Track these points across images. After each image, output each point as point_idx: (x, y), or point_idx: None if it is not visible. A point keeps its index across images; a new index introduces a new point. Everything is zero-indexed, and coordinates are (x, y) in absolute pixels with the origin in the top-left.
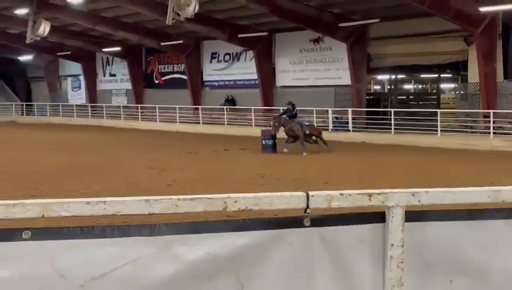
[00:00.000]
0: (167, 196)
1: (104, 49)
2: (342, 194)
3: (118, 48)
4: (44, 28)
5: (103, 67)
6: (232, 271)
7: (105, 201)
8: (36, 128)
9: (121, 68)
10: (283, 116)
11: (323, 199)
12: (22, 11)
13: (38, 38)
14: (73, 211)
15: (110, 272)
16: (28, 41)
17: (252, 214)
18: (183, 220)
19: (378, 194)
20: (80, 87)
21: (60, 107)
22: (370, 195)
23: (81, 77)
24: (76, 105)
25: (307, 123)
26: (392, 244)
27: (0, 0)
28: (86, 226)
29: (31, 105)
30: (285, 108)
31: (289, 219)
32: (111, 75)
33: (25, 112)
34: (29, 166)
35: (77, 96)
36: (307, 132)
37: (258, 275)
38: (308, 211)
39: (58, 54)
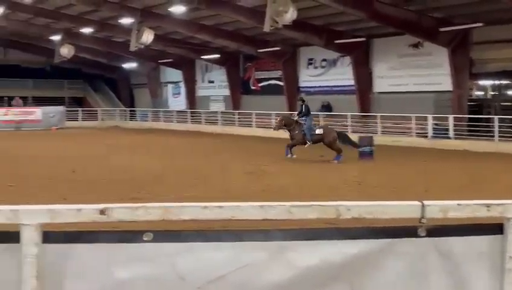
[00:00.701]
0: (280, 202)
1: (203, 56)
2: (459, 204)
3: (216, 55)
4: (147, 37)
5: (202, 74)
6: (345, 279)
7: (221, 206)
8: (138, 133)
9: (219, 75)
10: (294, 118)
11: (439, 209)
12: (126, 21)
13: (142, 46)
14: (192, 214)
15: (225, 276)
16: (132, 49)
17: (361, 223)
18: (292, 226)
19: (497, 205)
20: (179, 94)
21: (161, 113)
22: (488, 206)
23: (181, 84)
24: (176, 111)
25: (317, 130)
26: (511, 257)
27: (107, 10)
28: (203, 229)
29: (133, 110)
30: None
31: (402, 229)
32: (209, 81)
33: (128, 117)
34: (133, 170)
35: (177, 102)
36: (309, 143)
37: (371, 284)
38: (423, 221)
39: (159, 61)
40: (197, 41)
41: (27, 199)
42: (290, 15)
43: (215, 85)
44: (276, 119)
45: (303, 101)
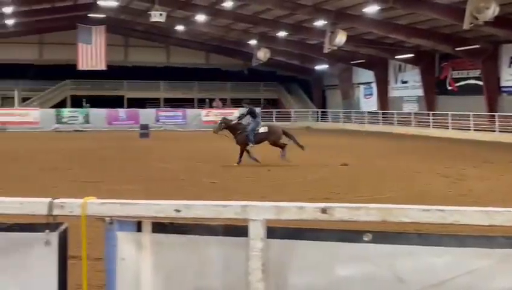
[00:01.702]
0: (507, 208)
1: (397, 56)
2: None
3: (410, 55)
4: (341, 38)
5: (395, 75)
6: None
7: (443, 210)
8: (330, 134)
9: (413, 75)
10: (236, 120)
11: None
12: (320, 23)
13: (335, 47)
14: (413, 217)
15: (447, 281)
16: (325, 51)
17: None
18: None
19: None
20: (371, 95)
21: (352, 114)
22: None
23: (373, 84)
24: (367, 112)
25: (261, 129)
26: None
27: (302, 13)
28: (425, 233)
29: (325, 112)
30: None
31: None
32: (403, 82)
33: (320, 118)
34: (325, 169)
35: (369, 103)
36: (251, 145)
37: None
38: None
39: (351, 62)
40: (390, 41)
41: (230, 195)
42: (492, 11)
43: (408, 85)
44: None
45: (248, 104)
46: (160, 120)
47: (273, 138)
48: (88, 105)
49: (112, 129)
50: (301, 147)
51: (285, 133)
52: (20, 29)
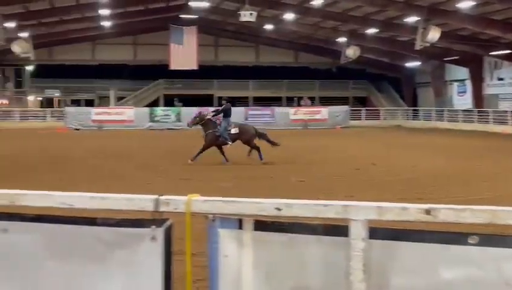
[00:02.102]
0: None
1: (492, 53)
2: None
3: (506, 51)
4: (433, 35)
5: (490, 72)
6: None
7: None
8: (421, 133)
9: (509, 72)
10: (209, 116)
11: None
12: (412, 19)
13: (428, 44)
14: None
15: None
16: (417, 48)
17: None
18: None
19: None
20: (465, 92)
21: (445, 112)
22: None
23: (467, 82)
24: (461, 110)
25: (232, 130)
26: None
27: (393, 9)
28: None
29: (416, 110)
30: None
31: None
32: (499, 79)
33: (411, 116)
34: (415, 168)
35: (462, 101)
36: (230, 143)
37: None
38: None
39: (444, 59)
40: (484, 37)
41: (316, 195)
42: None
43: (504, 83)
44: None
45: (227, 102)
46: (249, 118)
47: (245, 138)
48: (180, 104)
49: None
50: (275, 144)
51: (258, 133)
52: (116, 31)
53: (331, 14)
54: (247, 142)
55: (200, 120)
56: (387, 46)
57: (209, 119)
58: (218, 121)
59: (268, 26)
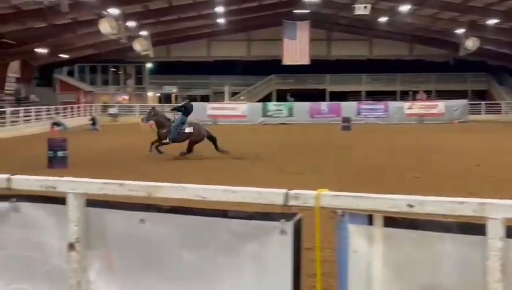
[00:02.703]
0: None
1: None
2: None
3: None
4: None
5: None
6: None
7: None
8: None
9: None
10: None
11: None
12: None
13: None
14: None
15: None
16: None
17: None
18: None
19: None
20: None
21: None
22: None
23: None
24: None
25: (187, 129)
26: None
27: None
28: None
29: None
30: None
31: None
32: None
33: None
34: None
35: None
36: (170, 143)
37: None
38: None
39: None
40: None
41: (436, 191)
42: None
43: None
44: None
45: (189, 101)
46: (362, 113)
47: (195, 139)
48: (292, 99)
49: (314, 122)
50: (222, 152)
51: (208, 136)
52: (230, 28)
53: (450, 5)
54: (194, 142)
55: (153, 116)
56: (509, 37)
57: (162, 115)
58: (173, 118)
59: (383, 19)
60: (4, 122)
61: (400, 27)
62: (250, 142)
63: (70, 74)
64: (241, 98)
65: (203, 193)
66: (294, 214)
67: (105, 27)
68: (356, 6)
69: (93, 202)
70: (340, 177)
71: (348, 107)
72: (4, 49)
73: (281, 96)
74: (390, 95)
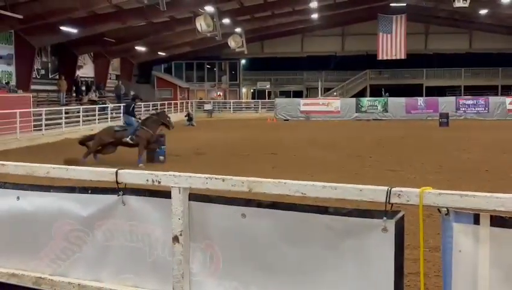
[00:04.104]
0: None
1: None
2: None
3: None
4: None
5: None
6: None
7: None
8: None
9: None
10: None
11: None
12: None
13: None
14: None
15: None
16: None
17: None
18: None
19: None
20: None
21: None
22: None
23: None
24: None
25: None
26: None
27: None
28: None
29: None
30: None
31: None
32: None
33: None
34: None
35: None
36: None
37: None
38: None
39: None
40: None
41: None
42: None
43: None
44: None
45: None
46: (461, 108)
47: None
48: (387, 94)
49: (410, 118)
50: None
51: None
52: (324, 22)
53: None
54: (121, 143)
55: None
56: None
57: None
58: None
59: (483, 11)
60: (106, 118)
61: (501, 19)
62: (345, 139)
63: (168, 71)
64: (335, 93)
65: (303, 189)
66: (396, 212)
67: (201, 25)
68: None
69: (196, 196)
70: (440, 176)
71: (446, 103)
72: (105, 47)
73: (376, 91)
74: (491, 90)
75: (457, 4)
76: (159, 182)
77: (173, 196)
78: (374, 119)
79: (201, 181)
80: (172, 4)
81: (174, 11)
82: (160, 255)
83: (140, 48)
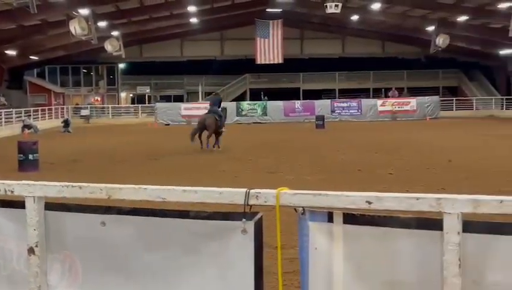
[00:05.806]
0: None
1: None
2: None
3: None
4: None
5: None
6: None
7: None
8: None
9: None
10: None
11: None
12: (505, 5)
13: None
14: None
15: None
16: (511, 34)
17: None
18: None
19: None
20: None
21: None
22: None
23: None
24: None
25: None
26: None
27: None
28: None
29: (510, 99)
30: None
31: None
32: None
33: (504, 106)
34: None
35: None
36: None
37: None
38: None
39: None
40: None
41: (408, 187)
42: None
43: None
44: None
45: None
46: (336, 111)
47: None
48: (266, 98)
49: (288, 121)
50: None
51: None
52: (203, 27)
53: (420, 2)
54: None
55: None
56: (478, 33)
57: None
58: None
59: (355, 17)
60: None
61: (371, 25)
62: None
63: (41, 75)
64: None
65: (163, 194)
66: (255, 214)
67: (75, 28)
68: (328, 4)
69: (52, 205)
70: (316, 176)
71: (322, 105)
72: None
73: (255, 95)
74: (363, 93)
75: (329, 10)
76: (12, 192)
77: (27, 206)
78: (254, 123)
79: (56, 189)
80: (44, 7)
81: (46, 14)
82: (15, 268)
83: (11, 52)
